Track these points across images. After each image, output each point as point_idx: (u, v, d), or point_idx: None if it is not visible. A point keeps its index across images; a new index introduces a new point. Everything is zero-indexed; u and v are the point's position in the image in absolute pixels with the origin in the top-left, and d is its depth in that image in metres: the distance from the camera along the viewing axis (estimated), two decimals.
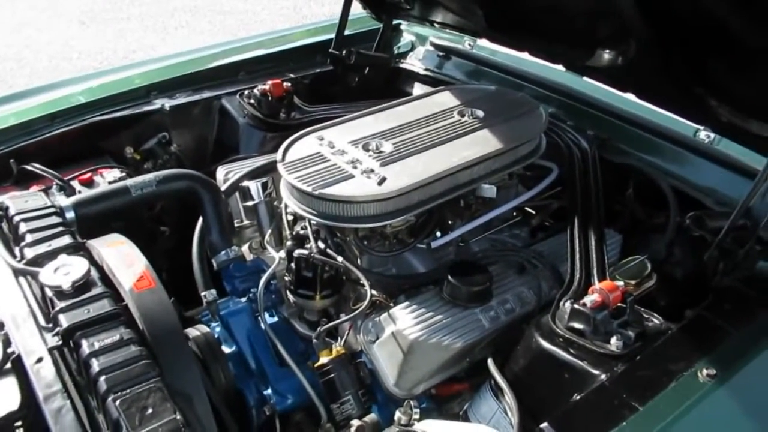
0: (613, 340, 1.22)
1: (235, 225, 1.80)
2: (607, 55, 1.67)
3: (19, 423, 1.20)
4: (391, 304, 1.47)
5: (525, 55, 2.05)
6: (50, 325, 1.16)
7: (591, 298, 1.27)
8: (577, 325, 1.27)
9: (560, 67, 1.93)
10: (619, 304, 1.28)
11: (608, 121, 1.91)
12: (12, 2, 6.95)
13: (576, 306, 1.28)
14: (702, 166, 1.72)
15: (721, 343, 1.24)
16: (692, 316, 1.33)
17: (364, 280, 1.45)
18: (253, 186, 1.76)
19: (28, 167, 1.79)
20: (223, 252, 1.64)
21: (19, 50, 5.88)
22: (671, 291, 1.51)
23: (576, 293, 1.37)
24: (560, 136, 1.84)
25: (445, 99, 1.86)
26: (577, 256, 1.48)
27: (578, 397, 1.17)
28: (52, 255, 1.28)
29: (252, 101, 2.11)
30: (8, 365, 1.19)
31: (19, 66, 5.61)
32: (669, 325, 1.30)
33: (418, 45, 2.48)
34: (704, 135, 1.72)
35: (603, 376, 1.18)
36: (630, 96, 1.78)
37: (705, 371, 1.15)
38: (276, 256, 1.63)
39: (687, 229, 1.52)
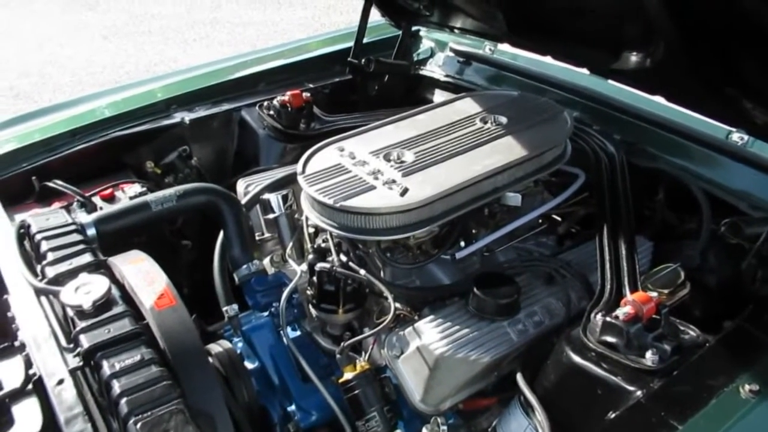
0: (648, 354, 1.18)
1: (257, 238, 1.78)
2: (634, 58, 1.63)
3: None
4: (416, 318, 1.44)
5: (548, 59, 2.01)
6: (71, 346, 1.15)
7: (623, 311, 1.22)
8: (610, 339, 1.22)
9: (585, 71, 1.89)
10: (653, 316, 1.23)
11: (636, 125, 1.85)
12: (35, 18, 7.07)
13: (608, 319, 1.23)
14: (735, 169, 1.66)
15: (764, 357, 1.19)
16: (731, 328, 1.28)
17: (387, 293, 1.42)
18: (274, 199, 1.75)
19: (50, 184, 1.79)
20: (244, 266, 1.63)
21: (42, 66, 5.97)
22: (706, 300, 1.46)
23: (607, 305, 1.32)
24: (586, 141, 1.80)
25: (467, 106, 1.83)
26: (607, 265, 1.43)
27: (613, 415, 1.12)
28: (73, 273, 1.27)
29: (271, 112, 2.10)
30: (30, 386, 1.19)
31: (42, 81, 5.70)
32: (706, 338, 1.25)
33: (438, 51, 2.44)
34: (737, 137, 1.66)
35: (639, 393, 1.13)
36: (657, 98, 1.73)
37: (747, 387, 1.10)
38: (298, 269, 1.60)
39: (722, 237, 1.47)
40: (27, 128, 2.01)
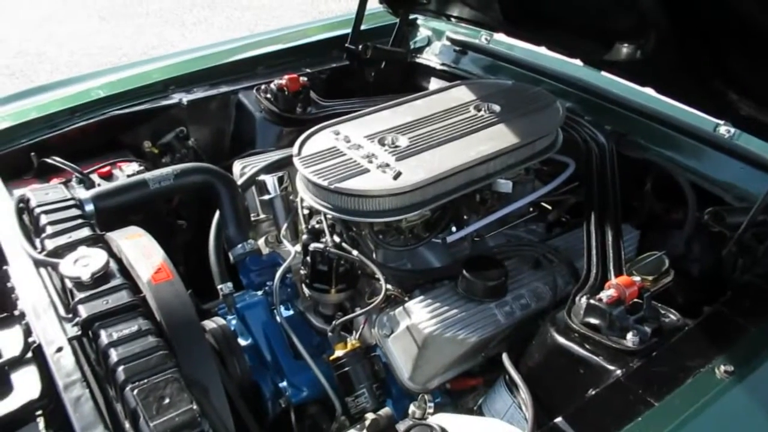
0: (629, 335, 1.21)
1: (252, 219, 1.81)
2: (625, 49, 1.65)
3: (39, 412, 1.21)
4: (406, 299, 1.47)
5: (542, 50, 2.04)
6: (70, 316, 1.18)
7: (607, 294, 1.26)
8: (593, 321, 1.26)
9: (578, 62, 1.91)
10: (635, 300, 1.27)
11: (626, 116, 1.89)
12: None
13: (592, 301, 1.27)
14: (722, 161, 1.70)
15: (739, 340, 1.23)
16: (710, 312, 1.32)
17: (379, 274, 1.46)
18: (270, 180, 1.77)
19: (49, 160, 1.81)
20: (239, 245, 1.66)
21: (41, 45, 5.95)
22: (689, 287, 1.50)
23: (592, 289, 1.36)
24: (577, 131, 1.83)
25: (462, 94, 1.85)
26: (594, 251, 1.47)
27: (593, 393, 1.16)
28: (71, 247, 1.29)
29: (268, 96, 2.12)
30: (29, 354, 1.22)
31: (39, 60, 5.68)
32: (686, 321, 1.29)
33: (435, 40, 2.47)
34: (724, 130, 1.70)
35: (618, 372, 1.17)
36: (648, 90, 1.76)
37: (722, 368, 1.14)
38: (292, 249, 1.64)
39: (706, 225, 1.51)
40: (24, 105, 2.02)
